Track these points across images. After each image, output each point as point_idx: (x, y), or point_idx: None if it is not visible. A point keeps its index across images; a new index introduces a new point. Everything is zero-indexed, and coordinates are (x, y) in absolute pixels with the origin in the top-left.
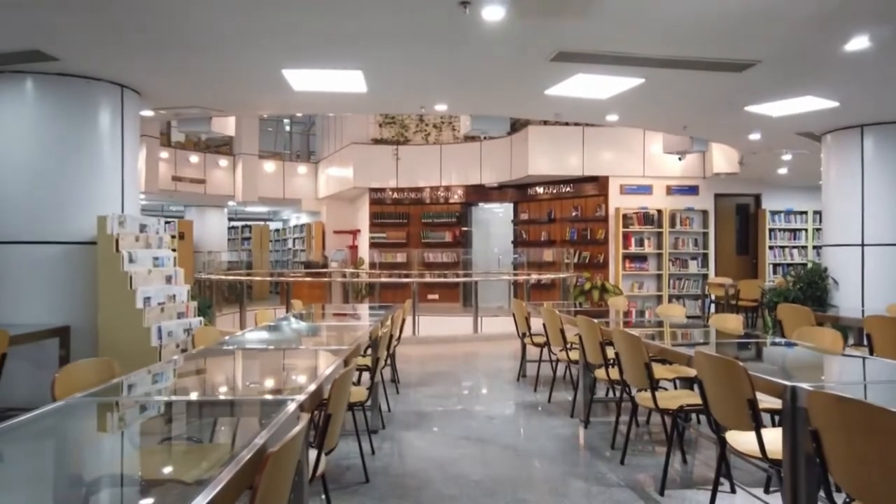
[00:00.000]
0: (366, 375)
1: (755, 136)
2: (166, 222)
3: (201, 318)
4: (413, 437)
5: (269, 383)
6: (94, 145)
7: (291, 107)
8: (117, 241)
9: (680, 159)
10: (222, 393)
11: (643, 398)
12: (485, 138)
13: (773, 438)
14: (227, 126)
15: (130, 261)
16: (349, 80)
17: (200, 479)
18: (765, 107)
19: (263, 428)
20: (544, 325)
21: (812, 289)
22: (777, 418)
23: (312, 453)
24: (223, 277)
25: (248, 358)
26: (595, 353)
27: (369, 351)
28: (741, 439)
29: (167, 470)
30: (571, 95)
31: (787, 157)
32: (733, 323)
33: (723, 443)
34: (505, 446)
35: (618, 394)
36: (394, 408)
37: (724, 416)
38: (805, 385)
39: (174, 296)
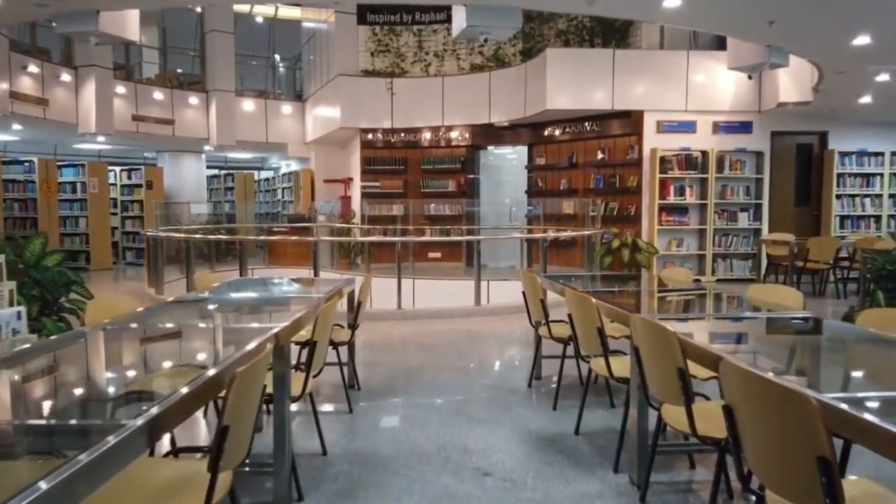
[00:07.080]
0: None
1: (862, 41)
2: (132, 169)
3: (20, 310)
4: None
5: None
6: None
7: None
8: None
9: (750, 77)
10: None
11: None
12: (485, 42)
13: None
14: (124, 26)
15: None
16: None
17: None
18: None
19: None
20: (569, 314)
21: None
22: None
23: None
24: (172, 235)
25: None
26: (668, 386)
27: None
28: None
29: None
30: None
31: (882, 77)
32: None
33: None
34: None
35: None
36: (335, 444)
37: None
38: None
39: None
